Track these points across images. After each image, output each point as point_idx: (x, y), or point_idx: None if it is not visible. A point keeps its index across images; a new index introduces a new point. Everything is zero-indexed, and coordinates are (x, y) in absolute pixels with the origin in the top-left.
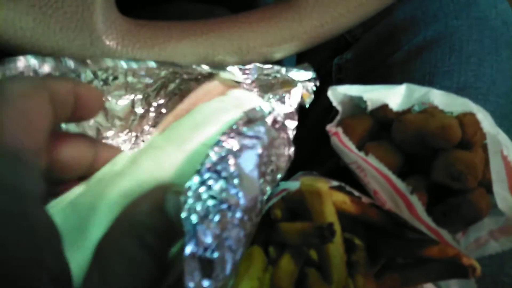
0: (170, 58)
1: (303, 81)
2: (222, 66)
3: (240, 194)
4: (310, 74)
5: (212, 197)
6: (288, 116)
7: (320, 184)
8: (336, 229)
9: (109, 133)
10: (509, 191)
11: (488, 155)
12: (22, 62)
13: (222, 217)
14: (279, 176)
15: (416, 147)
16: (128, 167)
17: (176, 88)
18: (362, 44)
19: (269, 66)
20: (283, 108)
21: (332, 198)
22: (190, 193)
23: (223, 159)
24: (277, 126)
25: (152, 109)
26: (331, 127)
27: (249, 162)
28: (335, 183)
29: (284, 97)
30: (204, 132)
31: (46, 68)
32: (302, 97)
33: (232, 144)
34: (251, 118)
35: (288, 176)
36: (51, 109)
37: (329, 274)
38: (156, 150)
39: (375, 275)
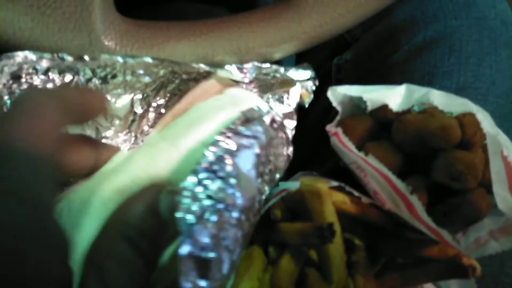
0: (169, 58)
1: (302, 81)
2: (220, 65)
3: (238, 194)
4: (309, 73)
5: (209, 197)
6: (286, 115)
7: (320, 184)
8: (336, 229)
9: (109, 133)
10: (509, 191)
11: (488, 156)
12: (20, 58)
13: (219, 217)
14: (277, 176)
15: (416, 147)
16: (123, 164)
17: (175, 88)
18: (362, 44)
19: (268, 65)
20: (281, 107)
21: (332, 198)
22: (186, 193)
23: (220, 159)
24: (275, 125)
25: (151, 109)
26: (330, 127)
27: (246, 161)
28: (335, 183)
29: (283, 96)
30: (199, 130)
31: (44, 63)
32: (301, 97)
33: (229, 143)
34: (249, 118)
35: (287, 176)
36: (63, 116)
37: (329, 274)
38: (151, 147)
39: (375, 275)
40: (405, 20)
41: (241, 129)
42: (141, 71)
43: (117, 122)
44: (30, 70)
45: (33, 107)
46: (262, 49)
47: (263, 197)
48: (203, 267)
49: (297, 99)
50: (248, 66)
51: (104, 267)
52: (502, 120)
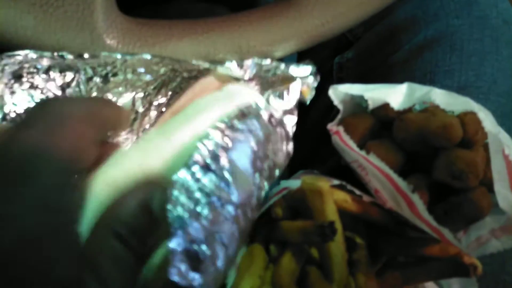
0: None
1: (303, 77)
2: (220, 62)
3: (232, 188)
4: (309, 69)
5: (201, 190)
6: (286, 111)
7: (321, 182)
8: (337, 227)
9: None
10: (511, 190)
11: (489, 154)
12: (22, 57)
13: (212, 211)
14: (277, 172)
15: (418, 146)
16: (117, 158)
17: (177, 86)
18: (363, 43)
19: (268, 61)
20: (282, 103)
21: (333, 197)
22: (177, 186)
23: (213, 153)
24: (273, 121)
25: (153, 107)
26: (332, 126)
27: (241, 156)
28: (336, 181)
29: (283, 93)
30: (194, 124)
31: (45, 62)
32: (302, 93)
33: (224, 138)
34: (245, 113)
35: (289, 174)
36: (87, 129)
37: (330, 272)
38: (145, 142)
39: (376, 273)
40: (406, 19)
41: (237, 123)
42: (141, 69)
43: None
44: (31, 69)
45: (60, 117)
46: (263, 47)
47: (263, 193)
48: (194, 259)
49: (297, 95)
50: (248, 63)
51: (97, 262)
52: (504, 119)
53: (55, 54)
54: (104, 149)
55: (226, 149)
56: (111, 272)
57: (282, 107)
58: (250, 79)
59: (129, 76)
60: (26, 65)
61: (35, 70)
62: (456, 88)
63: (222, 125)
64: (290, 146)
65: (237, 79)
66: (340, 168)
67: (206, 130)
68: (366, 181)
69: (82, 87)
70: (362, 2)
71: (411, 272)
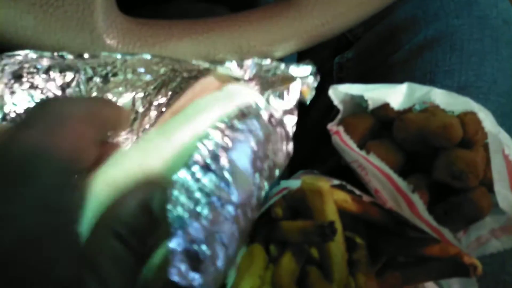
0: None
1: (303, 77)
2: (220, 62)
3: (232, 188)
4: (309, 69)
5: (201, 190)
6: (286, 111)
7: (321, 182)
8: (337, 227)
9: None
10: (511, 190)
11: (489, 154)
12: (21, 57)
13: (212, 211)
14: (277, 172)
15: (418, 146)
16: (117, 158)
17: (177, 86)
18: (363, 43)
19: (268, 61)
20: (281, 103)
21: (333, 197)
22: (177, 186)
23: (213, 153)
24: (273, 121)
25: (153, 107)
26: (332, 126)
27: (241, 156)
28: (336, 181)
29: (283, 93)
30: (194, 124)
31: (45, 62)
32: (302, 93)
33: (224, 137)
34: (245, 113)
35: (289, 174)
36: (87, 129)
37: (330, 272)
38: (145, 142)
39: (376, 273)
40: (406, 19)
41: (237, 123)
42: (141, 69)
43: None
44: (31, 69)
45: (60, 117)
46: (263, 47)
47: (263, 193)
48: (194, 259)
49: (297, 95)
50: (248, 63)
51: (97, 262)
52: (504, 119)
53: (55, 54)
54: (104, 149)
55: (226, 149)
56: (111, 272)
57: (282, 107)
58: (250, 79)
59: (129, 76)
60: (26, 65)
61: (35, 70)
62: (456, 88)
63: (222, 125)
64: (290, 146)
65: (237, 79)
66: (340, 168)
67: (206, 130)
68: (366, 181)
69: (82, 87)
70: (362, 2)
71: (411, 272)
